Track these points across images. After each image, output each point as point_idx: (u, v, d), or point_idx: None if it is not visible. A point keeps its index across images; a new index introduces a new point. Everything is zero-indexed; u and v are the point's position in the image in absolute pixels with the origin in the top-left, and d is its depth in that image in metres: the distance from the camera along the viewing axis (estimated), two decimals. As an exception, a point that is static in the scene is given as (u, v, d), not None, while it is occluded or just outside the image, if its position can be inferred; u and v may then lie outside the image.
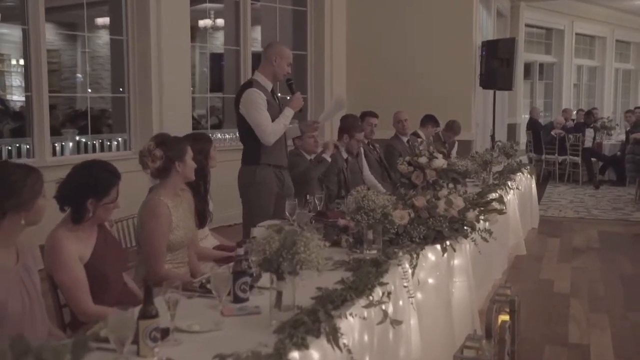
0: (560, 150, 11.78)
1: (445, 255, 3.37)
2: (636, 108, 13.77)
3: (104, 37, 11.43)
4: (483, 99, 10.53)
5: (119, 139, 7.22)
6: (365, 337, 2.34)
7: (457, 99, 8.93)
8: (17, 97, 12.13)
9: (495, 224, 3.99)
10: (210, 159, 3.80)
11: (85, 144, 7.11)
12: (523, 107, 14.52)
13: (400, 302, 2.79)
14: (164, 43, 6.83)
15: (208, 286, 2.48)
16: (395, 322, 2.57)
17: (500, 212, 4.31)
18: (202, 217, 3.70)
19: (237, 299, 2.42)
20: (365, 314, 2.36)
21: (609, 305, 4.88)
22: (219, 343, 2.03)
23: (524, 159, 10.75)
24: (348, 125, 5.72)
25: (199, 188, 3.66)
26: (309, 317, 2.09)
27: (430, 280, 3.20)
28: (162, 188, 3.20)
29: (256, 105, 4.24)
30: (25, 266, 2.35)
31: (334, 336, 2.07)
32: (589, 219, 8.47)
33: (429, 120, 7.55)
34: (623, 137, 12.21)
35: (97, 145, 7.14)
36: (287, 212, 3.36)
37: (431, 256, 3.24)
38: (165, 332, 2.01)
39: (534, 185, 7.50)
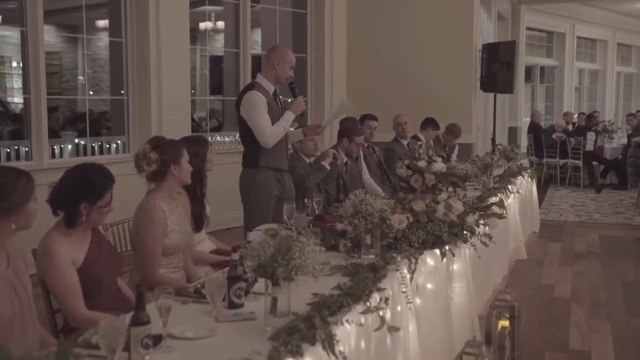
0: (562, 154, 11.76)
1: (445, 260, 3.33)
2: (638, 111, 13.77)
3: (104, 40, 11.42)
4: (484, 102, 10.51)
5: (118, 141, 7.19)
6: (362, 344, 2.30)
7: (458, 102, 8.89)
8: (17, 100, 12.11)
9: (495, 228, 3.96)
10: (207, 162, 3.77)
11: (84, 146, 7.08)
12: (524, 111, 14.49)
13: (399, 308, 2.75)
14: (163, 45, 6.82)
15: (203, 291, 2.45)
16: (393, 329, 2.54)
17: (501, 216, 4.27)
18: (198, 220, 3.67)
19: (231, 305, 2.39)
20: (363, 321, 2.32)
21: (610, 311, 4.85)
22: (212, 350, 2.00)
23: (525, 162, 10.71)
24: (347, 129, 5.69)
25: (196, 191, 3.63)
26: (305, 323, 2.06)
27: (429, 286, 3.17)
28: (157, 191, 3.17)
29: (256, 107, 4.24)
30: (16, 271, 2.31)
31: (329, 343, 2.04)
32: (590, 223, 8.42)
33: (429, 123, 7.52)
34: (624, 140, 12.20)
35: (96, 147, 7.10)
36: (284, 216, 3.33)
37: (430, 261, 3.21)
38: (157, 339, 1.98)
39: (534, 188, 7.47)
